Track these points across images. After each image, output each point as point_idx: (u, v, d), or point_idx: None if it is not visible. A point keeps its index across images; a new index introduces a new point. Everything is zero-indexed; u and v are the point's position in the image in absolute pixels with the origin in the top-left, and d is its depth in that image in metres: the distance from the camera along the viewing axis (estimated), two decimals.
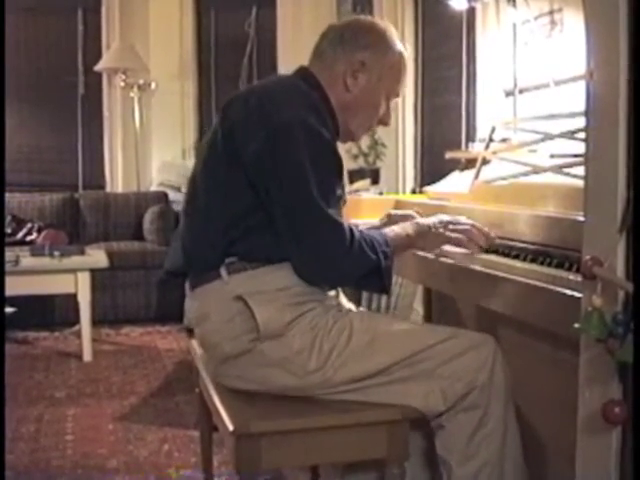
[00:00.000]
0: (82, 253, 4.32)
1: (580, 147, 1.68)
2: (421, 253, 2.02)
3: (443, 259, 1.97)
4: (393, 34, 1.87)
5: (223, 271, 1.72)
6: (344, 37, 1.83)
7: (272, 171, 1.66)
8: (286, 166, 1.65)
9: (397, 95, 1.91)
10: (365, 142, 4.41)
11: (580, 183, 1.37)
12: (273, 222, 1.69)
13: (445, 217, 1.91)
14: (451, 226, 1.88)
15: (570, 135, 1.97)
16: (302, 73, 1.85)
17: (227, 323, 1.72)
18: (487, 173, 2.25)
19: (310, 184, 1.64)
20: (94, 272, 4.20)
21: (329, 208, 1.66)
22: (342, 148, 1.77)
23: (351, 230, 1.69)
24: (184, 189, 5.09)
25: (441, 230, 1.87)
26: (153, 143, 6.14)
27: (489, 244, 1.87)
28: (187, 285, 1.85)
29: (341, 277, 1.74)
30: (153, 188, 6.04)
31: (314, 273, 1.71)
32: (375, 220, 2.11)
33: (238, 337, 1.71)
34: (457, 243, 1.88)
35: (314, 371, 1.69)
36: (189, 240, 1.82)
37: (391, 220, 1.99)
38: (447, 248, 1.92)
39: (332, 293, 1.84)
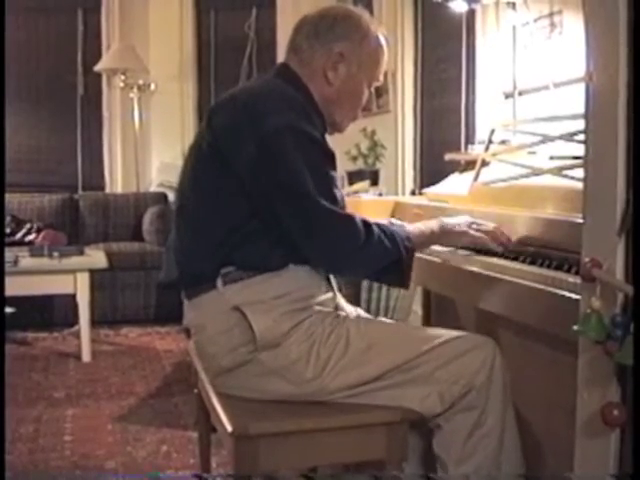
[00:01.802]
0: (81, 254, 4.32)
1: (579, 149, 1.68)
2: (421, 255, 2.01)
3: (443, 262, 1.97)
4: (369, 20, 1.84)
5: (219, 281, 1.71)
6: (319, 29, 1.80)
7: (270, 179, 1.65)
8: (282, 172, 1.64)
9: (378, 80, 1.89)
10: (365, 144, 4.41)
11: (579, 185, 1.37)
12: (269, 229, 1.68)
13: (469, 218, 1.91)
14: (475, 226, 1.88)
15: (569, 137, 1.97)
16: (283, 72, 1.83)
17: (224, 334, 1.71)
18: (486, 175, 2.25)
19: (309, 186, 1.62)
20: (93, 273, 4.20)
21: (335, 203, 1.66)
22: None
23: (366, 222, 1.68)
24: None
25: (465, 228, 1.87)
26: (152, 144, 6.14)
27: (509, 247, 1.86)
28: (183, 295, 1.84)
29: (359, 268, 1.76)
30: (152, 189, 6.04)
31: (333, 267, 1.74)
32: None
33: (236, 349, 1.70)
34: (481, 243, 1.87)
35: (311, 379, 1.69)
36: (181, 253, 1.81)
37: None
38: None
39: (330, 295, 1.82)
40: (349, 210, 1.73)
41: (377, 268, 1.73)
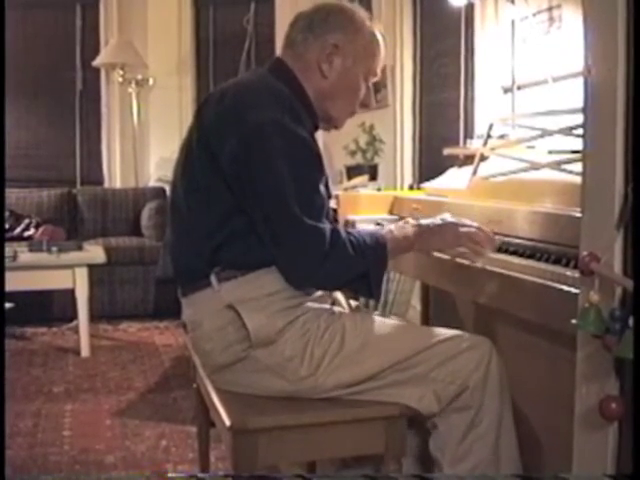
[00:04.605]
0: (80, 249, 4.31)
1: (578, 143, 1.68)
2: None
3: (442, 256, 1.97)
4: (363, 16, 1.83)
5: (213, 279, 1.70)
6: (313, 22, 1.80)
7: (247, 175, 1.64)
8: (260, 170, 1.63)
9: (375, 75, 1.86)
10: (363, 138, 4.41)
11: (578, 179, 1.37)
12: (255, 225, 1.66)
13: (449, 218, 1.84)
14: (459, 229, 1.81)
15: (568, 131, 1.97)
16: (276, 67, 1.81)
17: (219, 332, 1.71)
18: (485, 169, 2.25)
19: (285, 188, 1.61)
20: (92, 268, 4.19)
21: (311, 210, 1.62)
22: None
23: (335, 233, 1.65)
24: None
25: (446, 236, 1.80)
26: (151, 139, 6.14)
27: (493, 247, 1.81)
28: (179, 292, 1.83)
29: (323, 280, 1.69)
30: (151, 184, 6.05)
31: (296, 277, 1.67)
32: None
33: (231, 346, 1.70)
34: (463, 256, 1.82)
35: (306, 377, 1.68)
36: (176, 249, 1.81)
37: None
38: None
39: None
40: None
41: (344, 280, 1.69)
